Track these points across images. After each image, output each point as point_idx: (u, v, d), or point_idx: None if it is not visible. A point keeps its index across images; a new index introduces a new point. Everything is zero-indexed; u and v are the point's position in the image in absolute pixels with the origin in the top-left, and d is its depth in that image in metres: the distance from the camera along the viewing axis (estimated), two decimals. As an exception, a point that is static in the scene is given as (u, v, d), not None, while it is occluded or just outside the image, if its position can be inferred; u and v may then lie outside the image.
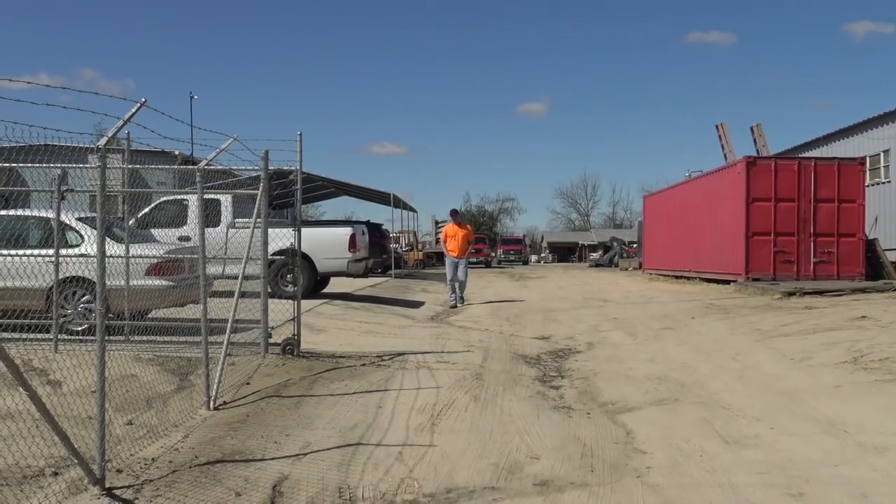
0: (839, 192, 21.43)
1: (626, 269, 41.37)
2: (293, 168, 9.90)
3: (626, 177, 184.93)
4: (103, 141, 5.12)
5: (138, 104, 5.09)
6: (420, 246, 51.54)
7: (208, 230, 7.87)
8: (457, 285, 18.48)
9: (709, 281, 23.86)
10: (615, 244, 55.74)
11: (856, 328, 11.25)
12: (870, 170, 26.13)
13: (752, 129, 34.19)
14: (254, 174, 9.45)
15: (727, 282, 21.92)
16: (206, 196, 7.79)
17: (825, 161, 22.50)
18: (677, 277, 27.61)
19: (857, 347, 9.52)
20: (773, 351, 10.09)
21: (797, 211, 21.43)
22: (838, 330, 11.21)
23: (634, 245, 49.89)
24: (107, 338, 5.28)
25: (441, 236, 19.82)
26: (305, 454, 5.81)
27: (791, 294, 17.58)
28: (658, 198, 34.39)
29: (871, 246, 22.32)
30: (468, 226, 19.57)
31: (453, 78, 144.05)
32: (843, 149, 29.89)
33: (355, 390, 8.01)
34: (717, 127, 36.42)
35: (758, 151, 32.37)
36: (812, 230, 21.42)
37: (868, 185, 23.47)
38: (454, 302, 18.39)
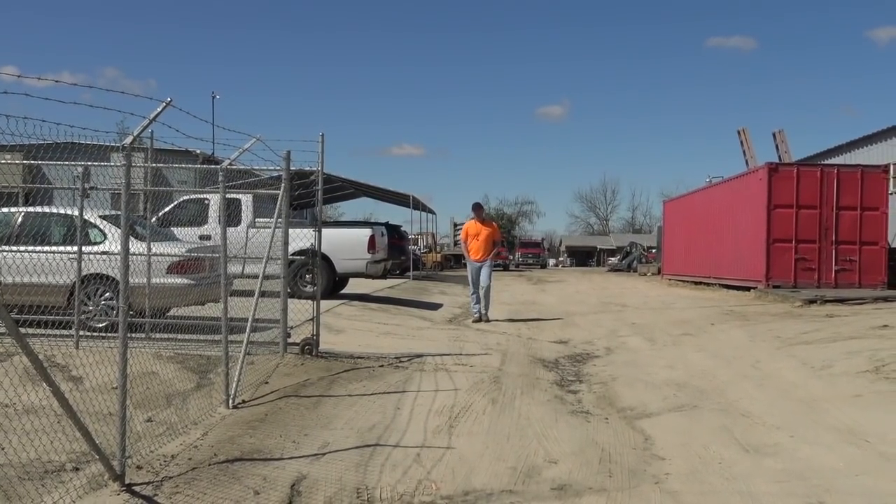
0: (862, 200, 21.27)
1: (645, 275, 41.29)
2: (314, 169, 9.94)
3: (646, 182, 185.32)
4: (129, 140, 5.17)
5: (164, 104, 5.13)
6: (438, 248, 51.58)
7: (229, 229, 7.92)
8: (481, 294, 15.37)
9: (729, 287, 23.74)
10: (634, 249, 55.62)
11: (877, 337, 11.15)
12: (893, 177, 25.86)
13: (774, 135, 33.95)
14: (275, 174, 9.50)
15: (747, 288, 21.81)
16: (227, 195, 7.83)
17: (848, 168, 22.33)
18: (697, 283, 27.48)
19: (878, 356, 9.42)
20: (793, 359, 10.01)
21: (819, 218, 21.29)
22: (860, 339, 11.10)
23: (653, 250, 49.75)
24: (128, 335, 5.31)
25: (461, 235, 16.44)
26: (324, 454, 5.83)
27: (812, 302, 17.45)
28: (678, 203, 34.25)
29: (893, 254, 22.12)
30: (493, 223, 16.40)
31: (472, 80, 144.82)
32: (867, 156, 29.67)
33: (373, 391, 8.03)
34: (738, 132, 36.18)
35: (780, 158, 32.15)
36: (834, 238, 21.27)
37: (892, 193, 23.23)
38: (478, 314, 15.42)
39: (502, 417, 7.14)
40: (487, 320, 15.17)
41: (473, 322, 15.25)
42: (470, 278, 15.63)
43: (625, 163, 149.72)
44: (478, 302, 15.49)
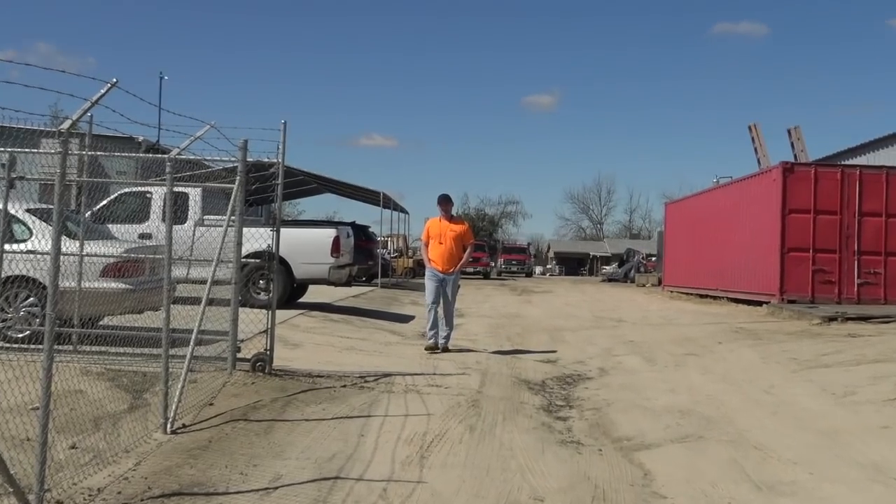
0: (888, 205, 21.39)
1: (644, 285, 41.53)
2: (274, 160, 9.83)
3: (646, 181, 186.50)
4: (67, 124, 5.04)
5: (109, 85, 5.00)
6: (411, 252, 51.57)
7: (174, 227, 7.79)
8: (440, 313, 12.82)
9: (738, 301, 23.84)
10: (632, 257, 55.94)
11: (906, 360, 11.20)
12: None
13: (789, 131, 34.18)
14: (229, 165, 9.38)
15: (759, 303, 21.89)
16: (174, 189, 7.71)
17: (872, 169, 22.46)
18: (702, 296, 27.60)
19: (906, 382, 9.46)
20: (811, 384, 10.02)
21: (839, 225, 21.38)
22: (886, 362, 11.15)
23: (653, 258, 50.02)
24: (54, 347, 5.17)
25: (422, 236, 13.71)
26: (276, 488, 5.72)
27: (832, 319, 17.53)
28: (682, 206, 34.43)
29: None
30: (465, 222, 13.70)
31: (451, 67, 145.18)
32: (892, 156, 29.88)
33: (334, 415, 7.94)
34: (749, 128, 36.38)
35: (795, 157, 32.36)
36: (856, 247, 21.38)
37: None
38: (434, 340, 12.79)
39: (481, 447, 7.06)
40: (447, 349, 12.79)
41: (427, 350, 12.70)
42: (427, 292, 12.91)
43: (622, 160, 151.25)
44: (435, 325, 12.84)
